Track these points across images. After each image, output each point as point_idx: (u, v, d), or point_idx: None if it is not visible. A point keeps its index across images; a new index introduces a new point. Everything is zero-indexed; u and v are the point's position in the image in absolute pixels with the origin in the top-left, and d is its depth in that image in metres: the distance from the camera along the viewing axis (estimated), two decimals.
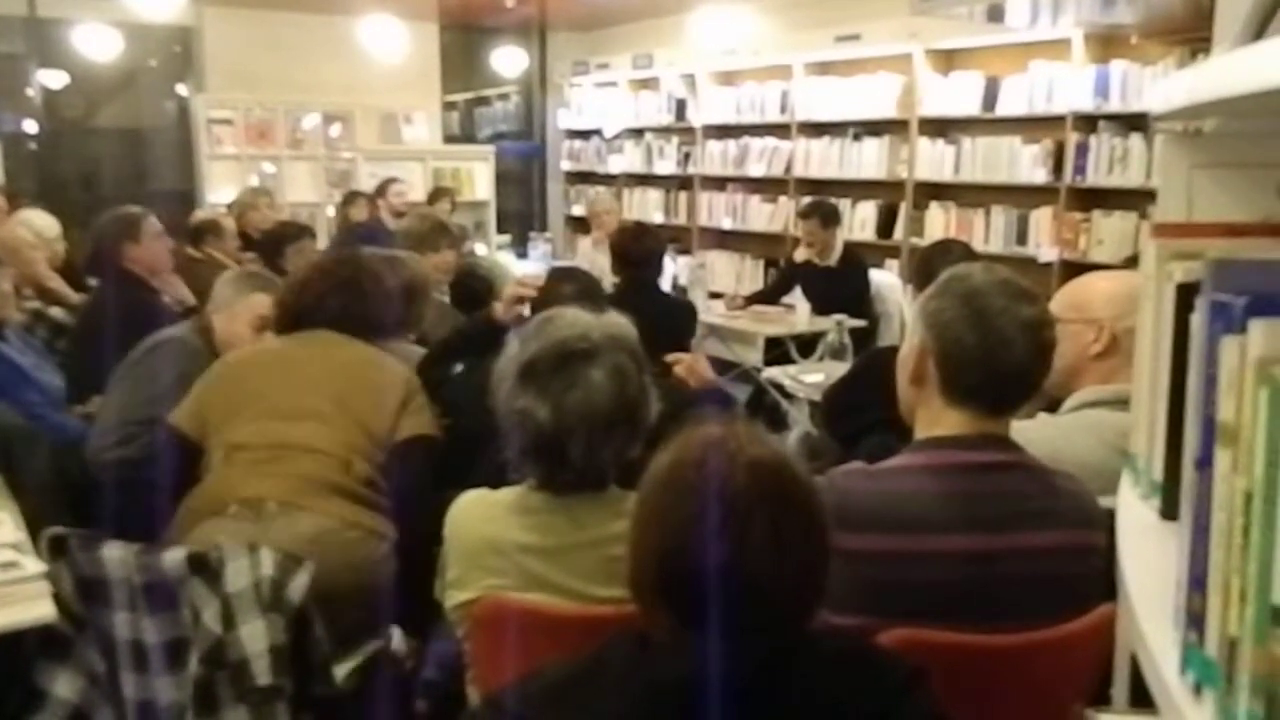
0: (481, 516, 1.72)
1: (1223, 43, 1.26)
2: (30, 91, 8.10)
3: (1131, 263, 3.24)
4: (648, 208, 8.63)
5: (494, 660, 1.64)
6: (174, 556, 1.86)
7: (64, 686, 1.83)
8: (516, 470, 1.71)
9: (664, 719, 1.08)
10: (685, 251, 7.83)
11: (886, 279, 5.93)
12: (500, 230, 8.59)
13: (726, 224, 8.05)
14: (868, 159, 6.84)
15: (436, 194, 7.48)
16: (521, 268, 6.50)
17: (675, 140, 8.55)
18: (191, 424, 2.35)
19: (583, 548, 1.66)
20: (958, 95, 6.25)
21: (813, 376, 4.32)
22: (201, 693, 1.83)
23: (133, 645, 1.91)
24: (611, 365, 1.64)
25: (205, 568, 1.84)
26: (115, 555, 1.88)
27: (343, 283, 2.55)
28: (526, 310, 2.61)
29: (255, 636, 1.81)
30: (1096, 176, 5.51)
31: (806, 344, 5.34)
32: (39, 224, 4.53)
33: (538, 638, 1.57)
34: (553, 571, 1.65)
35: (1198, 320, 0.81)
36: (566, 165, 9.91)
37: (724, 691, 1.06)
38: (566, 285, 2.76)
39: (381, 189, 7.18)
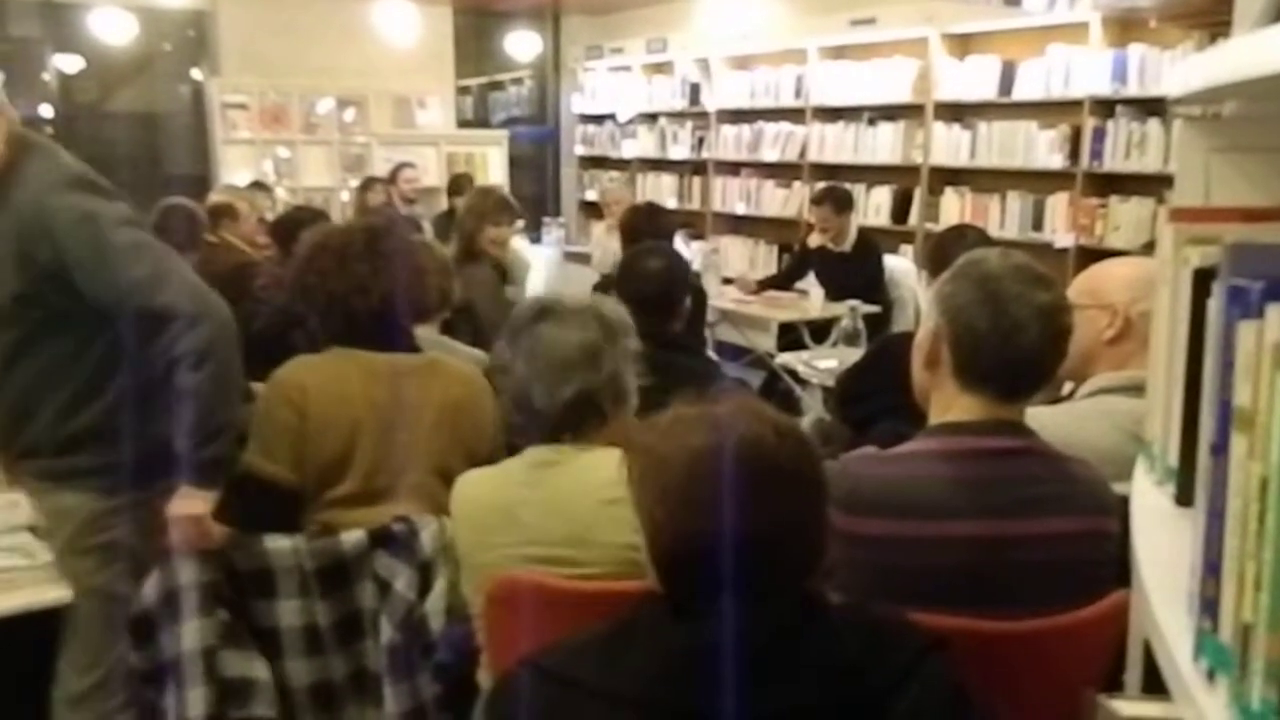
0: (488, 485, 1.80)
1: (1242, 25, 1.24)
2: (46, 76, 8.14)
3: (1149, 249, 3.22)
4: (661, 192, 8.61)
5: (509, 640, 1.65)
6: (353, 537, 1.95)
7: (262, 670, 1.91)
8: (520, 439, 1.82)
9: (691, 680, 1.11)
10: (699, 236, 7.81)
11: (901, 264, 5.91)
12: None
13: (740, 209, 8.03)
14: (883, 144, 6.81)
15: (455, 181, 7.41)
16: (535, 252, 6.50)
17: (689, 125, 8.52)
18: (293, 471, 2.12)
19: (576, 496, 1.71)
20: (974, 79, 6.21)
21: (826, 362, 4.32)
22: (397, 659, 1.91)
23: (304, 630, 1.98)
24: (579, 320, 1.78)
25: (392, 540, 1.94)
26: (284, 546, 1.94)
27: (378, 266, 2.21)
28: None
29: (437, 595, 1.93)
30: (1114, 162, 5.47)
31: (820, 329, 5.33)
32: None
33: (553, 616, 1.57)
34: (551, 521, 1.71)
35: (1214, 305, 0.80)
36: (580, 150, 9.90)
37: (749, 653, 1.10)
38: (652, 260, 2.77)
39: (392, 175, 7.18)
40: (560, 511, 1.71)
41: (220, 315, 1.98)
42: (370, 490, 2.10)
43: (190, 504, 1.94)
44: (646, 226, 4.21)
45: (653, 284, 2.64)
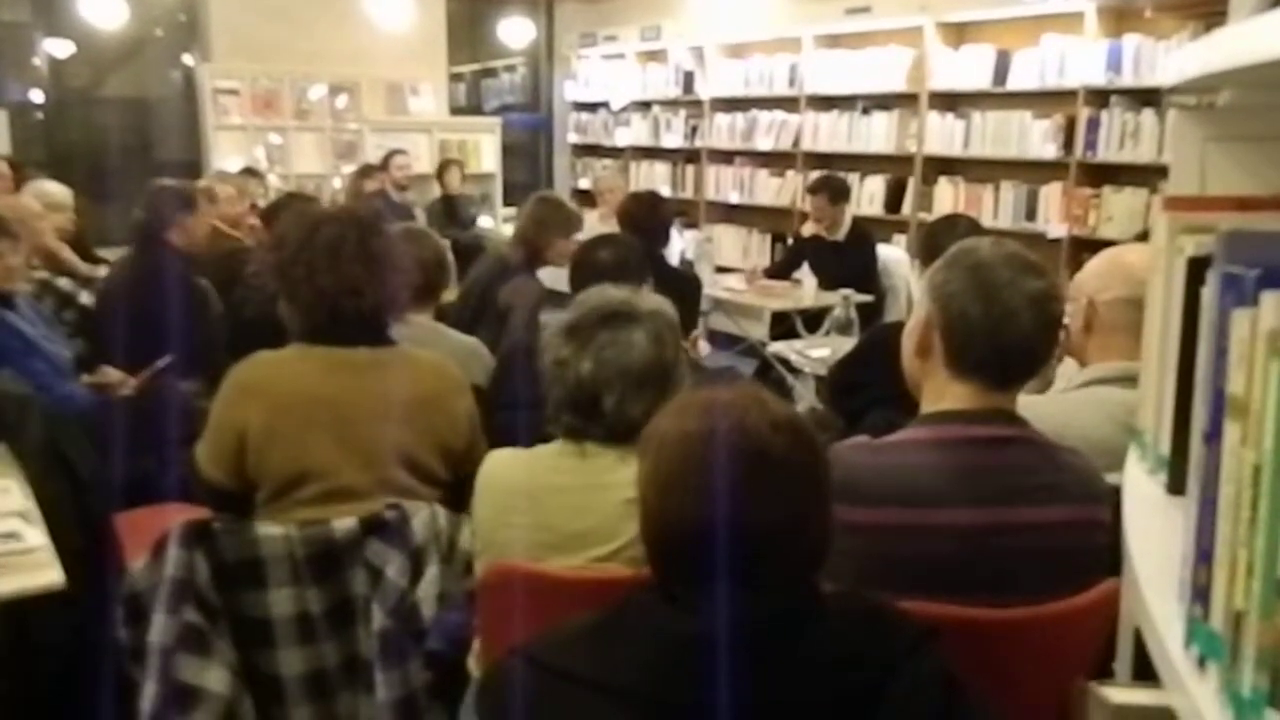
0: (518, 466, 1.79)
1: (1238, 13, 1.24)
2: (36, 60, 8.07)
3: (1142, 239, 3.22)
4: (655, 181, 8.59)
5: (503, 628, 1.65)
6: (345, 525, 1.93)
7: (215, 681, 1.86)
8: (553, 421, 1.78)
9: (683, 670, 1.10)
10: (692, 225, 7.80)
11: (894, 254, 5.91)
12: (507, 203, 8.55)
13: (734, 198, 8.02)
14: (877, 133, 6.80)
15: (445, 165, 7.46)
16: None
17: (683, 113, 8.51)
18: (234, 482, 2.11)
19: (601, 490, 1.69)
20: (968, 69, 6.20)
21: (819, 351, 4.32)
22: (388, 646, 1.90)
23: (297, 619, 1.95)
24: (651, 329, 1.75)
25: (384, 527, 1.93)
26: (275, 533, 1.91)
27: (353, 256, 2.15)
28: None
29: (429, 582, 1.92)
30: (1107, 152, 5.47)
31: (813, 319, 5.33)
32: (54, 194, 4.53)
33: (548, 604, 1.57)
34: (571, 512, 1.70)
35: (1209, 293, 0.80)
36: (573, 137, 9.88)
37: (741, 644, 1.10)
38: (604, 251, 2.74)
39: (384, 162, 7.16)
40: (582, 504, 1.69)
41: None
42: (339, 489, 2.06)
43: None
44: (648, 217, 4.15)
45: (605, 277, 2.57)
